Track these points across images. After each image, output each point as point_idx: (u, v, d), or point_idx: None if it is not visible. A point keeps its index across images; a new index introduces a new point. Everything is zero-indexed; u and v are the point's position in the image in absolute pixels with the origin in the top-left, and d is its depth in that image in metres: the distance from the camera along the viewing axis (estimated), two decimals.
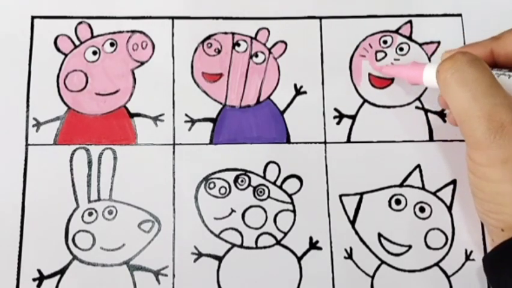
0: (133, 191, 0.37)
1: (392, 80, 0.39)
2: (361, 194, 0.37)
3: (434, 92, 0.39)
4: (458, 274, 0.36)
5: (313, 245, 0.37)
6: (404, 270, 0.36)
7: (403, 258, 0.37)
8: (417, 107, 0.39)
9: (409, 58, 0.40)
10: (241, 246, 0.37)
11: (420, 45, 0.40)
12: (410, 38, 0.40)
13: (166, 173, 0.37)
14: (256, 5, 0.40)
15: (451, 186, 0.38)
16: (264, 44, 0.40)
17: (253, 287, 0.36)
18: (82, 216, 0.37)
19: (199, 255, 0.36)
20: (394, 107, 0.39)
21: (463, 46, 0.35)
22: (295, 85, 0.39)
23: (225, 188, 0.37)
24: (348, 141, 0.38)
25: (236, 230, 0.37)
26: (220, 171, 0.38)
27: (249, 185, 0.37)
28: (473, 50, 0.33)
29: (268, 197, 0.37)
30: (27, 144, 0.37)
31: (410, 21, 0.40)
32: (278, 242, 0.37)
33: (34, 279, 0.35)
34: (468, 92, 0.29)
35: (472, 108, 0.29)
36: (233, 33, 0.40)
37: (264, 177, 0.38)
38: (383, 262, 0.36)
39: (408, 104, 0.39)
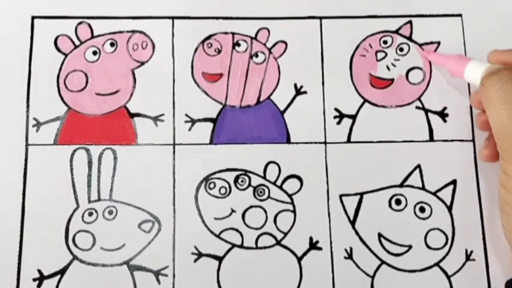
0: (133, 191, 0.37)
1: (392, 80, 0.39)
2: (361, 194, 0.37)
3: (434, 92, 0.39)
4: (458, 274, 0.36)
5: (313, 245, 0.37)
6: (404, 270, 0.36)
7: (403, 258, 0.37)
8: (417, 107, 0.39)
9: (409, 58, 0.40)
10: (241, 246, 0.37)
11: (420, 45, 0.40)
12: (410, 38, 0.40)
13: (166, 173, 0.37)
14: (256, 5, 0.40)
15: (451, 186, 0.38)
16: (264, 44, 0.40)
17: (253, 287, 0.36)
18: (82, 216, 0.37)
19: (199, 255, 0.36)
20: (394, 107, 0.39)
21: (510, 49, 0.34)
22: (295, 85, 0.39)
23: (225, 188, 0.37)
24: (348, 141, 0.38)
25: (236, 230, 0.37)
26: (220, 171, 0.38)
27: (249, 185, 0.37)
28: None
29: (268, 197, 0.37)
30: (27, 144, 0.37)
31: (410, 22, 0.40)
32: (278, 242, 0.37)
33: (34, 279, 0.35)
34: (508, 110, 0.30)
35: (511, 125, 0.30)
36: (233, 33, 0.40)
37: (264, 177, 0.38)
38: (383, 262, 0.36)
39: (408, 104, 0.39)
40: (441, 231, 0.37)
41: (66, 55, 0.39)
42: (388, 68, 0.40)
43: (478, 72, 0.34)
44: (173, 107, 0.39)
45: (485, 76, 0.32)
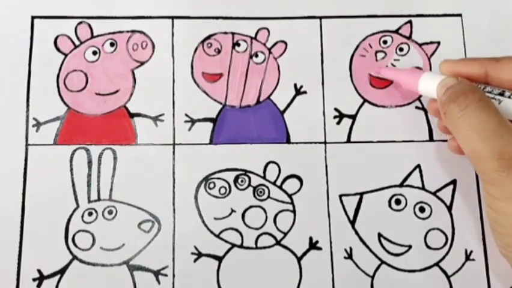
0: (133, 191, 0.37)
1: (391, 80, 0.39)
2: (361, 194, 0.37)
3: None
4: (458, 274, 0.36)
5: (313, 245, 0.37)
6: (404, 270, 0.36)
7: (403, 258, 0.37)
8: (417, 107, 0.39)
9: (409, 58, 0.40)
10: (241, 246, 0.37)
11: (420, 45, 0.40)
12: (410, 38, 0.40)
13: (166, 173, 0.37)
14: (256, 5, 0.40)
15: (451, 186, 0.38)
16: (264, 44, 0.40)
17: (253, 287, 0.36)
18: (82, 216, 0.37)
19: (199, 255, 0.36)
20: (394, 107, 0.39)
21: (463, 59, 0.34)
22: (295, 85, 0.39)
23: (225, 188, 0.37)
24: (348, 141, 0.38)
25: (236, 230, 0.37)
26: (220, 171, 0.38)
27: (249, 185, 0.37)
28: (471, 66, 0.33)
29: (268, 197, 0.37)
30: (27, 144, 0.37)
31: (410, 21, 0.40)
32: (278, 242, 0.37)
33: (34, 279, 0.35)
34: (477, 135, 0.30)
35: (482, 149, 0.29)
36: (233, 33, 0.40)
37: (264, 177, 0.38)
38: (383, 262, 0.36)
39: (408, 104, 0.39)
40: (441, 231, 0.37)
41: (66, 55, 0.39)
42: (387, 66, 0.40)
43: (432, 84, 0.34)
44: (173, 107, 0.39)
45: (444, 103, 0.32)
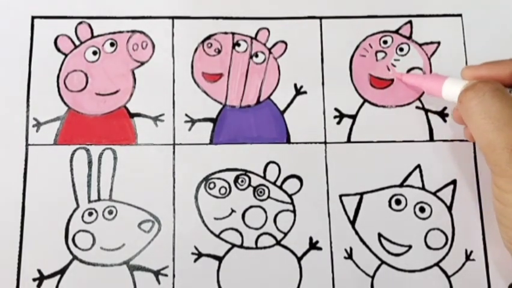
0: (133, 191, 0.37)
1: (392, 80, 0.39)
2: (361, 194, 0.37)
3: None
4: (458, 274, 0.36)
5: (313, 245, 0.37)
6: (404, 270, 0.36)
7: (403, 258, 0.37)
8: (417, 107, 0.39)
9: (409, 58, 0.40)
10: (241, 246, 0.37)
11: (420, 45, 0.40)
12: (410, 38, 0.40)
13: (166, 173, 0.37)
14: (256, 5, 0.40)
15: (451, 186, 0.38)
16: (264, 44, 0.40)
17: (253, 287, 0.36)
18: (82, 216, 0.37)
19: (199, 255, 0.36)
20: (394, 107, 0.39)
21: (486, 63, 0.34)
22: (295, 85, 0.39)
23: (225, 188, 0.37)
24: (348, 141, 0.38)
25: (236, 230, 0.37)
26: (220, 171, 0.38)
27: (249, 185, 0.37)
28: (495, 69, 0.33)
29: (268, 197, 0.37)
30: (27, 144, 0.37)
31: (410, 22, 0.40)
32: (278, 242, 0.37)
33: (34, 279, 0.35)
34: (491, 124, 0.29)
35: (496, 140, 0.29)
36: (233, 33, 0.40)
37: (264, 177, 0.38)
38: (383, 262, 0.36)
39: (408, 104, 0.39)
40: (441, 231, 0.37)
41: (66, 55, 0.39)
42: (388, 69, 0.40)
43: (456, 89, 0.33)
44: (173, 107, 0.39)
45: (461, 92, 0.32)
